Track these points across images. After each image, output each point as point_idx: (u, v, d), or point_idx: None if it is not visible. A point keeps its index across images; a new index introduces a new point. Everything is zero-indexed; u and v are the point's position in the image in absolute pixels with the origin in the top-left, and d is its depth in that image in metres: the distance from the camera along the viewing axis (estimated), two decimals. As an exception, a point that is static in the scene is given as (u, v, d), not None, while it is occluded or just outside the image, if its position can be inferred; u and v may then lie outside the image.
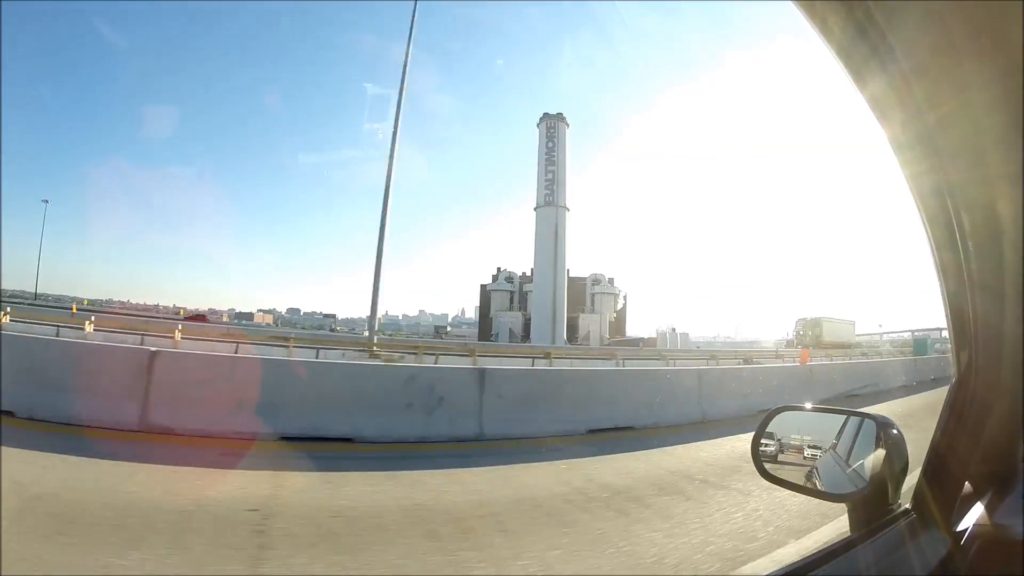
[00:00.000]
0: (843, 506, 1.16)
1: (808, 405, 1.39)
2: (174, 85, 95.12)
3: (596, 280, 72.04)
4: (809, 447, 1.31)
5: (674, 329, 66.62)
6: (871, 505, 1.09)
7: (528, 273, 74.31)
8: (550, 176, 65.66)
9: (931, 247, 0.95)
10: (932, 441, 1.04)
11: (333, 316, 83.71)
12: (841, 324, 47.13)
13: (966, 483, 0.98)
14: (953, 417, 1.01)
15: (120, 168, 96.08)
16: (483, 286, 74.84)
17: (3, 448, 4.33)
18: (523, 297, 70.97)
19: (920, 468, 1.05)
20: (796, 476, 1.30)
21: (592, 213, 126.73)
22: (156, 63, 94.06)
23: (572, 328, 65.08)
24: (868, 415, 1.20)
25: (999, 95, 0.71)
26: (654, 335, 64.52)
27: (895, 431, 1.12)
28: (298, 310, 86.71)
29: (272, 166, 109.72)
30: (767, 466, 1.33)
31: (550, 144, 66.07)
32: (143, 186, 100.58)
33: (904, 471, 1.08)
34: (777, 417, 1.36)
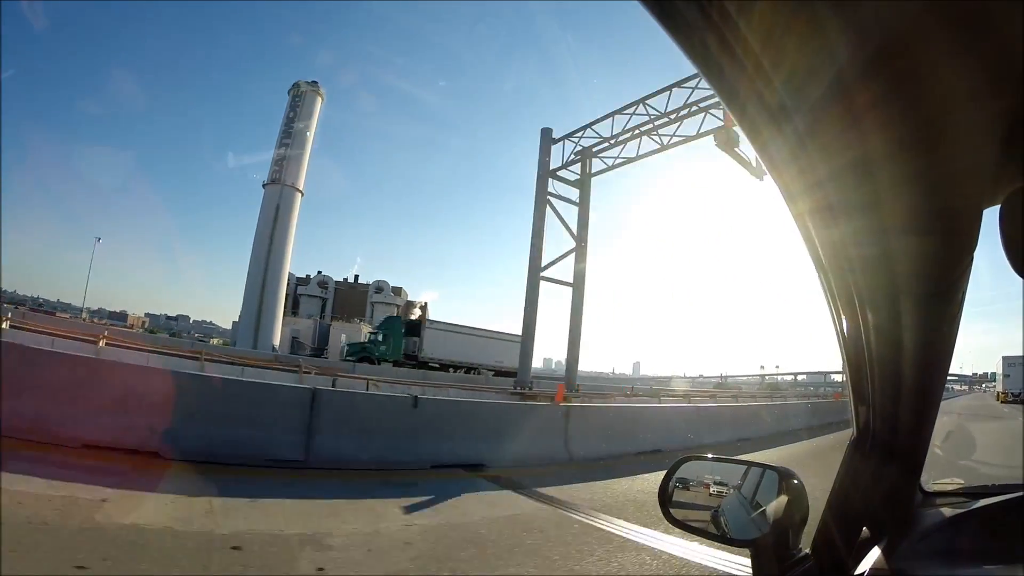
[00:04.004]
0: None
1: (710, 456, 1.47)
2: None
3: (379, 288, 65.84)
4: (716, 484, 1.37)
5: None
6: (773, 550, 1.15)
7: (352, 279, 67.84)
8: (281, 151, 51.84)
9: (831, 309, 1.00)
10: (832, 488, 1.14)
11: (177, 318, 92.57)
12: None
13: (864, 528, 1.10)
14: (853, 467, 1.12)
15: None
16: (295, 289, 66.52)
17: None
18: (338, 304, 63.38)
19: (821, 513, 1.15)
20: (703, 517, 1.33)
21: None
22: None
23: (324, 337, 56.01)
24: (770, 466, 1.29)
25: (891, 150, 0.72)
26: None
27: (796, 481, 1.22)
28: (187, 316, 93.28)
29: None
30: (673, 511, 1.35)
31: (291, 114, 52.29)
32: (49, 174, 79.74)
33: (804, 519, 1.17)
34: (684, 465, 1.40)
